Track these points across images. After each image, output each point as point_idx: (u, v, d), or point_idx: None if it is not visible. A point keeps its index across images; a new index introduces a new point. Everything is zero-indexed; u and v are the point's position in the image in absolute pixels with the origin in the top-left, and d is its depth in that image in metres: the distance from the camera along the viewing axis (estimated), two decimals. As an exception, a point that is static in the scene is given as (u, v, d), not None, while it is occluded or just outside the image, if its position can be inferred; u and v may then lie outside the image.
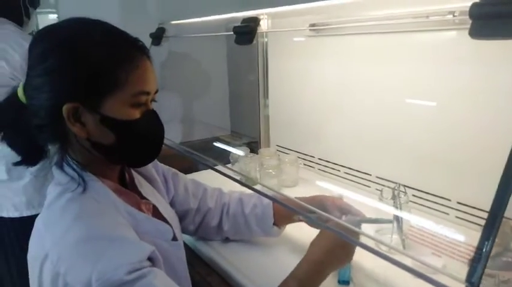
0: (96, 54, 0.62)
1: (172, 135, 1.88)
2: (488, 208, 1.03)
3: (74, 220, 0.60)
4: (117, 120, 0.64)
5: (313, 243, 0.81)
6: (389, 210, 0.92)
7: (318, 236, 0.82)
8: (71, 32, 0.65)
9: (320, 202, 0.91)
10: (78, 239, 0.58)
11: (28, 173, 1.38)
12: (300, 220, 0.93)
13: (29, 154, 0.69)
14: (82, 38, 0.63)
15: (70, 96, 0.62)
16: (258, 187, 1.04)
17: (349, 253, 0.80)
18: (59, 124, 0.63)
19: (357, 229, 0.76)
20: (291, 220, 0.96)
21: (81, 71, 0.62)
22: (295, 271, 0.76)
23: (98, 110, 0.63)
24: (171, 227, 0.78)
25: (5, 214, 1.40)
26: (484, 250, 0.42)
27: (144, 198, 0.78)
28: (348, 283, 0.85)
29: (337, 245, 0.78)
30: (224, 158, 1.54)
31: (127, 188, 0.76)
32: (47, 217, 0.65)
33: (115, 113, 0.64)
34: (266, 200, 0.96)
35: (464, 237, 0.76)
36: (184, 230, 0.97)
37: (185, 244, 1.05)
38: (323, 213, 0.77)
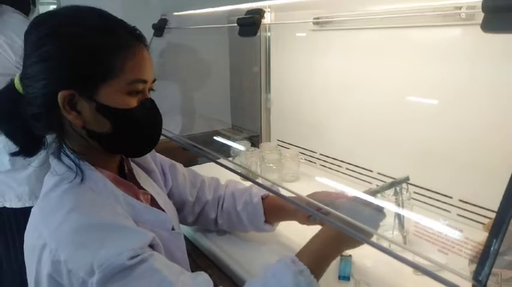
0: (91, 41, 0.62)
1: (172, 128, 1.87)
2: (490, 206, 1.02)
3: (71, 210, 0.60)
4: (113, 108, 0.63)
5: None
6: (391, 207, 0.91)
7: None
8: (66, 19, 0.64)
9: (322, 196, 0.88)
10: (77, 228, 0.58)
11: (32, 163, 1.37)
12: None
13: (27, 144, 0.69)
14: (77, 24, 0.63)
15: (65, 84, 0.61)
16: (259, 180, 1.03)
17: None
18: (55, 112, 0.63)
19: (359, 224, 0.71)
20: (282, 217, 0.95)
21: (76, 57, 0.61)
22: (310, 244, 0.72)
23: (94, 97, 0.62)
24: None
25: (7, 204, 1.39)
26: (492, 248, 0.41)
27: (142, 189, 0.78)
28: (348, 278, 0.84)
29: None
30: (224, 151, 1.53)
31: (125, 179, 0.75)
32: (43, 207, 0.64)
33: (111, 101, 0.63)
34: (256, 199, 0.94)
35: (467, 235, 0.75)
36: (183, 221, 0.96)
37: (185, 237, 1.05)
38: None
